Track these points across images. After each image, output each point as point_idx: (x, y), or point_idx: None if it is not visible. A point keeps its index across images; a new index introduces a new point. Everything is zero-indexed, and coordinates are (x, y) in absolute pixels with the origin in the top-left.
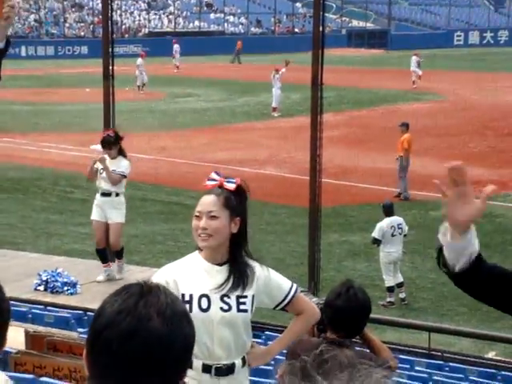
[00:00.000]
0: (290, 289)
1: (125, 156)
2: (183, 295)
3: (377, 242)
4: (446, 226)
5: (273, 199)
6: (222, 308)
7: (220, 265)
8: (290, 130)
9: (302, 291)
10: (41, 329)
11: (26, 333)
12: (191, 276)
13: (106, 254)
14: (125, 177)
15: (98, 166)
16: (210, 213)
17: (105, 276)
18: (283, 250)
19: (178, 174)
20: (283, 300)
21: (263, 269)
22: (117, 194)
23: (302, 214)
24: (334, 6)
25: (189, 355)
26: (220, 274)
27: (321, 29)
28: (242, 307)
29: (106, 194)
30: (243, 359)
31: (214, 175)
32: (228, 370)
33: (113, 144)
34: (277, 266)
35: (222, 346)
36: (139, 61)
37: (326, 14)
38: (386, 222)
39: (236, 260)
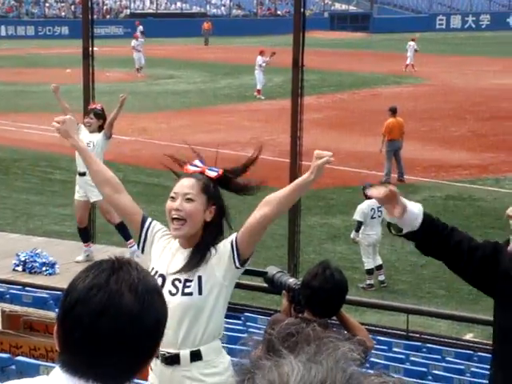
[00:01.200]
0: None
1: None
2: (152, 268)
3: (360, 224)
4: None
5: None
6: (170, 291)
7: (188, 248)
8: (273, 112)
9: (279, 271)
10: (17, 308)
11: (2, 312)
12: (162, 251)
13: (88, 233)
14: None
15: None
16: (186, 195)
17: (84, 256)
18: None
19: (159, 156)
20: (231, 249)
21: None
22: None
23: None
24: None
25: (161, 331)
26: (182, 255)
27: (302, 10)
28: (186, 290)
29: (82, 174)
30: (196, 352)
31: (197, 162)
32: (172, 359)
33: (97, 116)
34: (257, 248)
35: (166, 333)
36: (133, 42)
37: None
38: (365, 204)
39: (205, 246)
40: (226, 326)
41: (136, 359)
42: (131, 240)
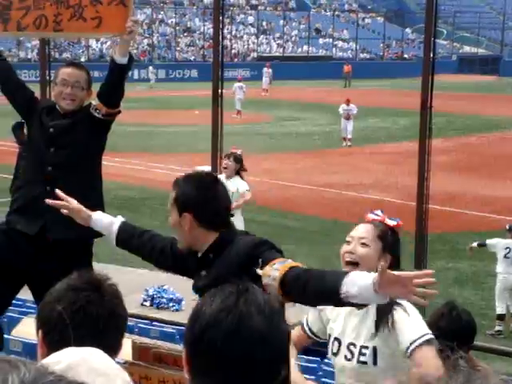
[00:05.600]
0: (417, 339)
1: (241, 177)
2: (329, 335)
3: (482, 245)
4: None
5: None
6: (345, 356)
7: (360, 308)
8: (397, 155)
9: None
10: (147, 340)
11: (134, 344)
12: (334, 315)
13: None
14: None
15: None
16: (361, 239)
17: None
18: None
19: (284, 197)
20: (406, 349)
21: (402, 313)
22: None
23: (406, 239)
24: (445, 31)
25: (286, 353)
26: (356, 317)
27: (431, 54)
28: (361, 358)
29: None
30: None
31: (378, 212)
32: None
33: (236, 160)
34: None
35: None
36: (236, 85)
37: (437, 40)
38: (504, 241)
39: (382, 306)
40: None
41: (265, 382)
42: None
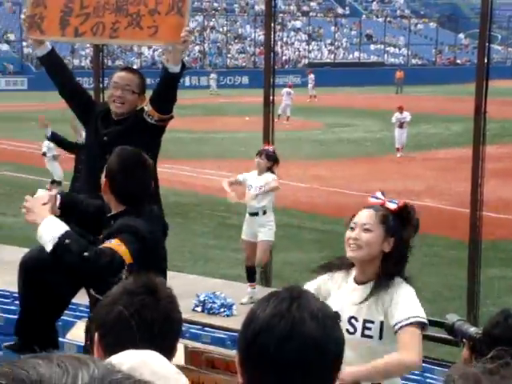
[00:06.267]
0: (407, 318)
1: (273, 173)
2: None
3: None
4: None
5: (430, 231)
6: (347, 330)
7: (363, 283)
8: (449, 161)
9: (460, 320)
10: (199, 345)
11: (186, 348)
12: (335, 290)
13: (254, 272)
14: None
15: (246, 180)
16: (364, 225)
17: (248, 298)
18: (440, 283)
19: (334, 203)
20: (394, 325)
21: (401, 287)
22: (264, 212)
23: (459, 246)
24: (500, 36)
25: (340, 360)
26: (358, 292)
27: (486, 60)
28: (366, 332)
29: (253, 214)
30: None
31: (378, 194)
32: None
33: (267, 157)
34: (434, 298)
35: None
36: (285, 90)
37: (492, 45)
38: None
39: (380, 282)
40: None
41: None
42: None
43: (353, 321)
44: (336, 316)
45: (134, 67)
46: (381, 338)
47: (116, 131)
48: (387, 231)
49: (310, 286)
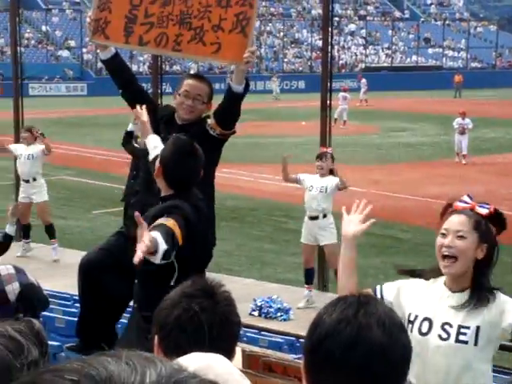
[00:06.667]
0: None
1: (334, 174)
2: (409, 314)
3: None
4: None
5: None
6: (440, 336)
7: (458, 291)
8: (508, 165)
9: None
10: (256, 349)
11: (243, 352)
12: (422, 296)
13: (312, 274)
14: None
15: (304, 180)
16: (457, 232)
17: (304, 302)
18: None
19: (391, 208)
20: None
21: (503, 297)
22: (324, 215)
23: None
24: None
25: (406, 368)
26: (453, 299)
27: None
28: (461, 338)
29: (313, 218)
30: None
31: (466, 198)
32: None
33: (332, 157)
34: None
35: (436, 375)
36: (341, 94)
37: None
38: None
39: (480, 287)
40: None
41: None
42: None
43: (446, 326)
44: (403, 324)
45: (191, 72)
46: (476, 343)
47: None
48: (481, 237)
49: (391, 287)
